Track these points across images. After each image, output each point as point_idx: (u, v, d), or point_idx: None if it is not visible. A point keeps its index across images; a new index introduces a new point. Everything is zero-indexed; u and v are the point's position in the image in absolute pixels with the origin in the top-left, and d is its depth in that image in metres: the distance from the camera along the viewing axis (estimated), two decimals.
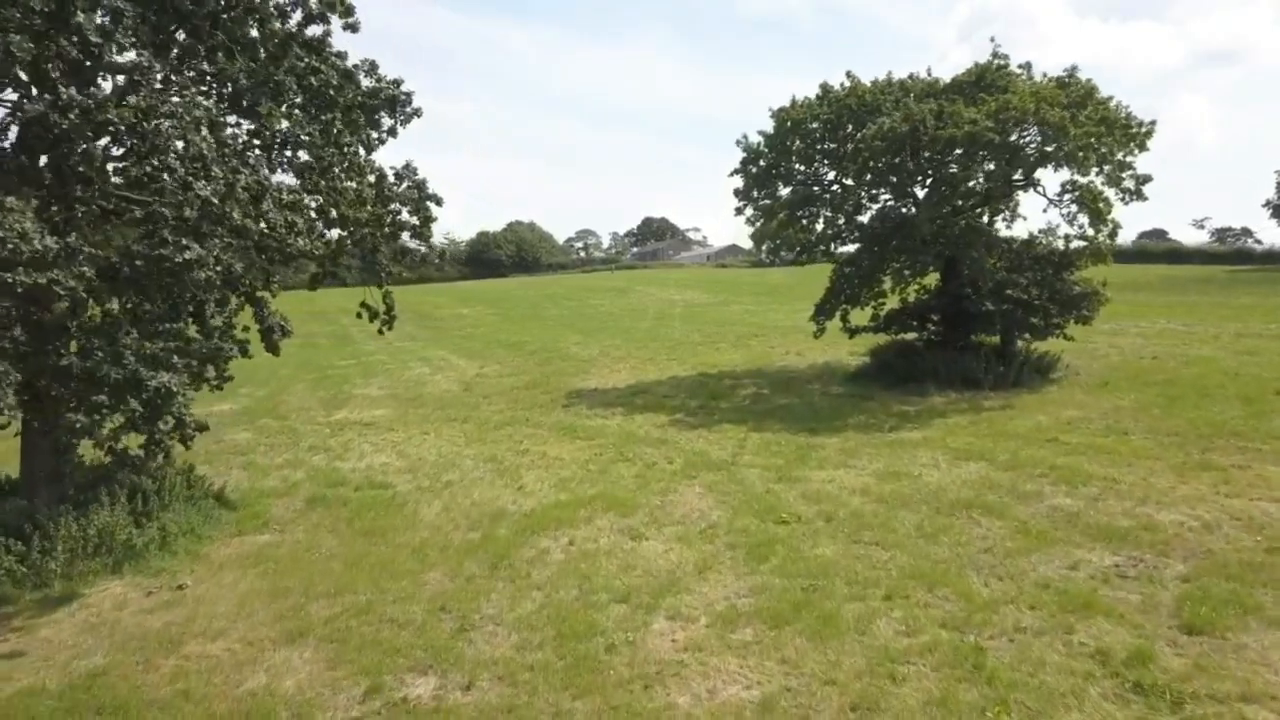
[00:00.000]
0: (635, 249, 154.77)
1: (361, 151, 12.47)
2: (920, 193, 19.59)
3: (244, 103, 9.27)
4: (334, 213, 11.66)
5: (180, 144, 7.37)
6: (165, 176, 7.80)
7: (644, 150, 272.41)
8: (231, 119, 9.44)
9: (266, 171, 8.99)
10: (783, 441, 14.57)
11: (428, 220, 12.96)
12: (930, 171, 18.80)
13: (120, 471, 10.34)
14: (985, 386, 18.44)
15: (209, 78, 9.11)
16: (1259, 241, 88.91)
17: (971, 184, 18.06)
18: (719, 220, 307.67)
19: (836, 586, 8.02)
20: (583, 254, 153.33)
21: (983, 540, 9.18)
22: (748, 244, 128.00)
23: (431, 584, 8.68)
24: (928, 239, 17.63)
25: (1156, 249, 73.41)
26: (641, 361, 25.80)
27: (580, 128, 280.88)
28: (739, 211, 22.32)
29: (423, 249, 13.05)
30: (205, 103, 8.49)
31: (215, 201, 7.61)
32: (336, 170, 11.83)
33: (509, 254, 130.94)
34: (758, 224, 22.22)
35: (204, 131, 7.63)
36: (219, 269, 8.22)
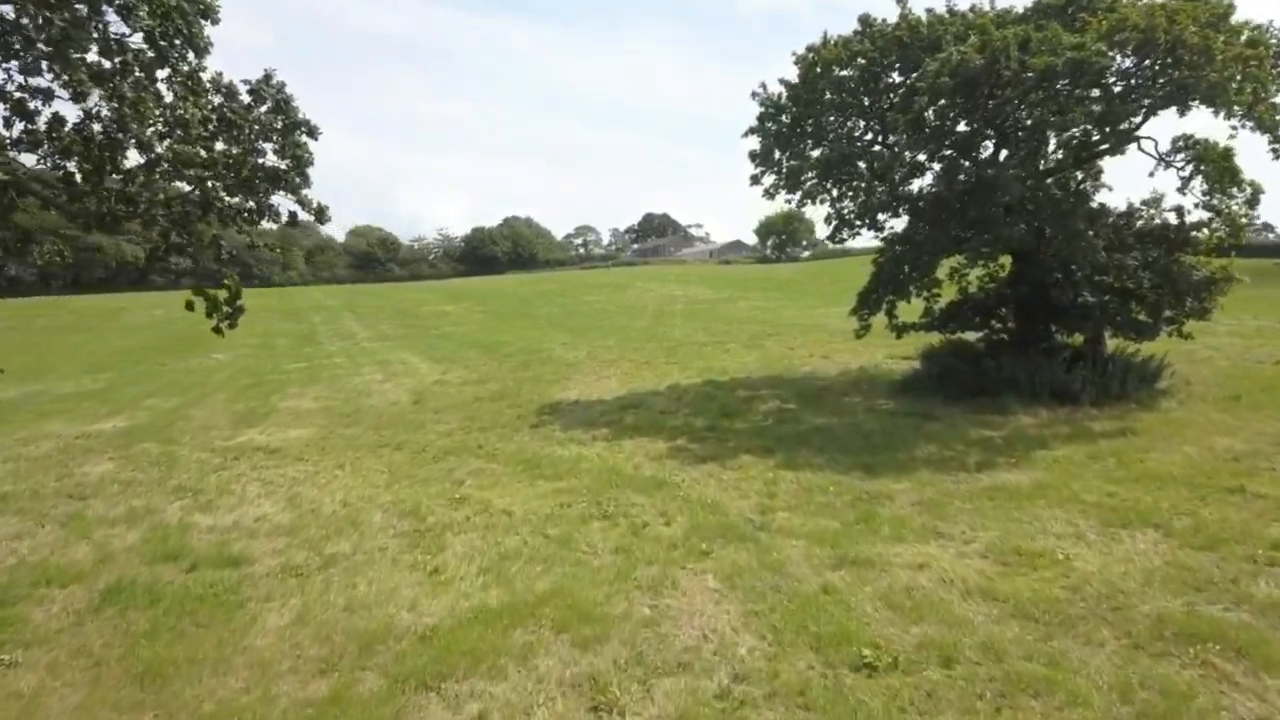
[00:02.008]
0: (636, 245, 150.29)
1: (192, 56, 8.15)
2: (987, 151, 15.13)
3: None
4: (127, 141, 7.31)
5: None
6: None
7: (645, 150, 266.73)
8: None
9: None
10: (830, 486, 10.16)
11: (301, 163, 8.58)
12: (1003, 123, 14.33)
13: None
14: (1084, 401, 14.04)
15: None
16: None
17: (1071, 133, 13.61)
18: (721, 219, 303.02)
19: None
20: (582, 250, 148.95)
21: None
22: (752, 239, 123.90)
23: None
24: (1013, 206, 13.18)
25: None
26: (636, 365, 21.39)
27: (581, 127, 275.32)
28: (755, 180, 17.90)
29: (293, 207, 8.66)
30: None
31: None
32: (138, 73, 7.50)
33: (505, 250, 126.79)
34: (779, 193, 17.77)
35: None
36: None
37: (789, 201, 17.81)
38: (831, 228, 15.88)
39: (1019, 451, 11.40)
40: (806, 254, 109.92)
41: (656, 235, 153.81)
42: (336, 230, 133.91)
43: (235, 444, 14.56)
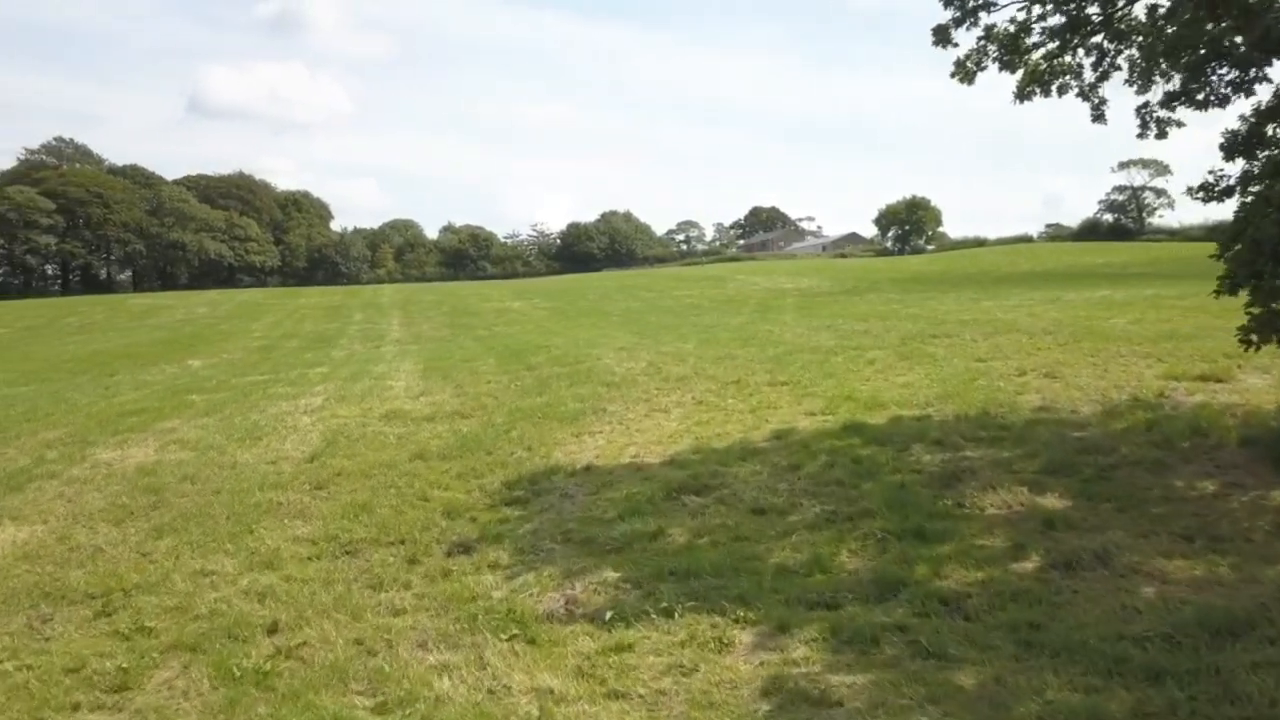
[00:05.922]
0: (741, 241, 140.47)
1: None
2: None
3: None
4: None
5: None
6: None
7: (753, 149, 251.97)
8: None
9: None
10: None
11: None
12: None
13: None
14: None
15: None
16: None
17: None
18: (833, 214, 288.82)
19: None
20: (684, 246, 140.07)
21: None
22: (870, 231, 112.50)
23: None
24: None
25: None
26: (718, 386, 12.64)
27: (686, 127, 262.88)
28: (941, 38, 9.36)
29: None
30: None
31: None
32: None
33: (601, 246, 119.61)
34: (986, 65, 9.10)
35: None
36: None
37: (1006, 69, 9.12)
38: (1159, 98, 6.84)
39: None
40: (931, 247, 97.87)
41: (764, 229, 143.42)
42: (430, 228, 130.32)
43: None
